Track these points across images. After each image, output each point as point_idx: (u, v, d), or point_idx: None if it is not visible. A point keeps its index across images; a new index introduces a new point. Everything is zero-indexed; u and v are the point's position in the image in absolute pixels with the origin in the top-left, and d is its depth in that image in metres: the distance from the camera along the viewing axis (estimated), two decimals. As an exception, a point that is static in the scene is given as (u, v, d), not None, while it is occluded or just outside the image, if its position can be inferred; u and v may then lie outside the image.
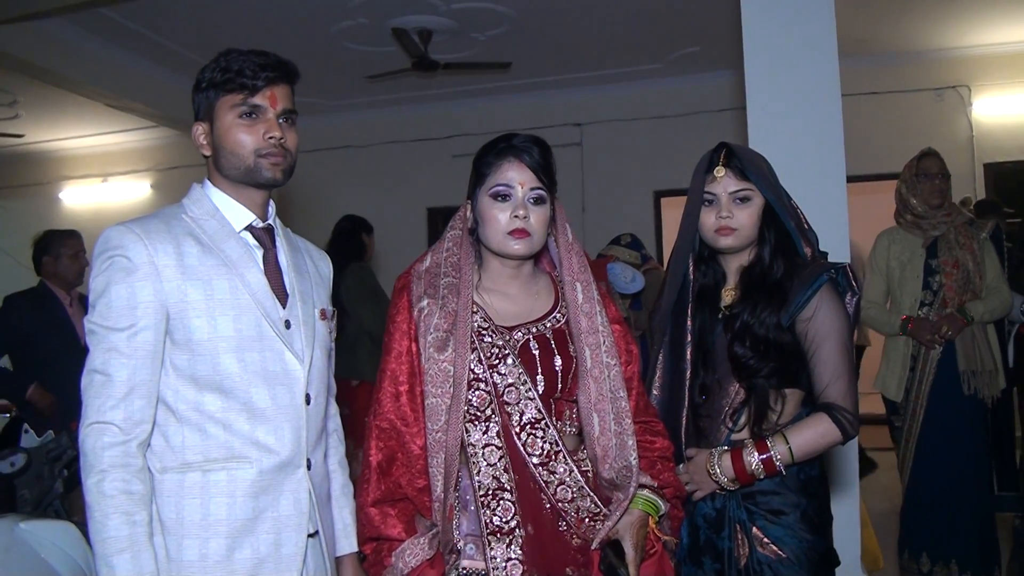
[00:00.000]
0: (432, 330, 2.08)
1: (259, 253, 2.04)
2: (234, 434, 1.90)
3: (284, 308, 2.01)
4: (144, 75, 8.23)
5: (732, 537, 2.29)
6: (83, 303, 4.95)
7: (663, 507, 2.13)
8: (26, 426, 3.37)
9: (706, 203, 2.36)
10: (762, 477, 2.24)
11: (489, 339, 2.11)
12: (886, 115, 8.33)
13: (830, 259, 2.42)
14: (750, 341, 2.28)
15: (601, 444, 2.09)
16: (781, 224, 2.36)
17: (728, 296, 2.40)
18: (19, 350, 4.80)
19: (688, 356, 2.37)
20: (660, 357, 2.48)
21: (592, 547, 2.08)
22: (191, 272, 1.91)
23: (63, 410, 4.09)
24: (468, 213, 2.20)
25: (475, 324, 2.12)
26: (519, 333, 2.15)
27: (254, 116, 1.97)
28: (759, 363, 2.28)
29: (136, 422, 1.84)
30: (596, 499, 2.08)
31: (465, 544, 2.07)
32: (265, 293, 1.97)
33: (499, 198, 2.10)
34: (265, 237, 2.06)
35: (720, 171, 2.32)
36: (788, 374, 2.30)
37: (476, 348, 2.10)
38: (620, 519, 2.07)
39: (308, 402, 2.00)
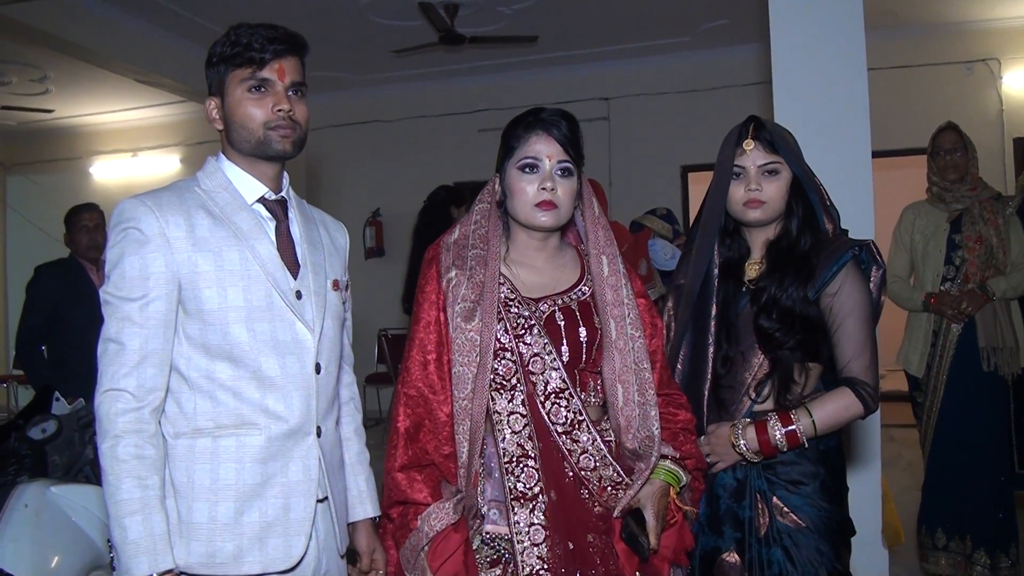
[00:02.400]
0: (460, 300, 2.13)
1: (271, 225, 2.07)
2: (244, 402, 1.94)
3: (295, 279, 2.04)
4: (173, 50, 8.27)
5: (753, 507, 2.33)
6: (111, 275, 5.06)
7: (684, 478, 2.17)
8: (57, 394, 3.43)
9: (735, 176, 2.38)
10: (785, 450, 2.28)
11: (515, 310, 2.15)
12: (916, 89, 8.29)
13: (854, 234, 2.45)
14: (777, 314, 2.31)
15: (624, 414, 2.12)
16: (807, 198, 2.39)
17: (752, 270, 2.43)
18: (49, 320, 4.89)
19: (712, 329, 2.39)
20: (683, 330, 2.49)
21: (614, 515, 2.12)
22: (202, 243, 1.94)
23: (90, 381, 4.16)
24: (496, 186, 2.23)
25: (502, 295, 2.16)
26: (545, 304, 2.18)
27: (263, 89, 1.99)
28: (785, 335, 2.30)
29: (149, 389, 1.89)
30: (618, 468, 2.12)
31: (489, 509, 2.12)
32: (275, 264, 2.00)
33: (527, 170, 2.13)
34: (278, 209, 2.09)
35: (749, 144, 2.35)
36: (811, 348, 2.33)
37: (503, 318, 2.13)
38: (642, 488, 2.11)
39: (318, 371, 2.03)
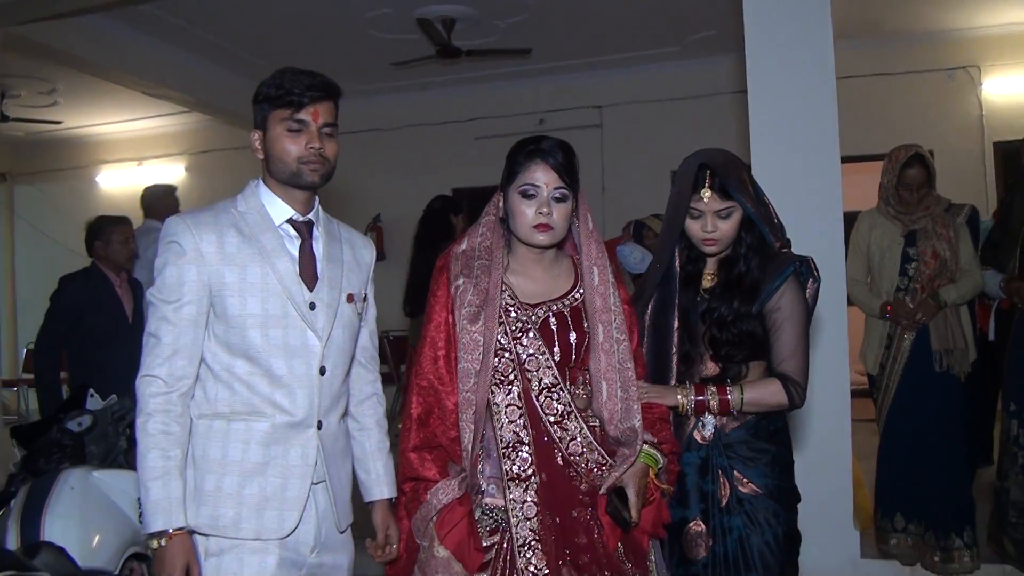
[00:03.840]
0: (466, 304, 2.41)
1: (297, 243, 2.35)
2: (256, 394, 2.24)
3: (311, 292, 2.32)
4: (179, 64, 8.49)
5: (715, 480, 2.63)
6: (131, 284, 5.25)
7: (662, 460, 2.46)
8: (91, 391, 3.66)
9: (692, 216, 2.64)
10: (716, 412, 2.61)
11: (514, 314, 2.43)
12: (899, 95, 8.48)
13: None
14: (726, 334, 2.62)
15: (608, 408, 2.40)
16: (756, 227, 2.67)
17: (707, 280, 2.73)
18: (72, 328, 5.03)
19: (675, 338, 2.69)
20: (647, 332, 2.78)
21: (600, 492, 2.40)
22: (229, 258, 2.23)
23: (111, 382, 4.33)
24: (500, 204, 2.50)
25: (503, 301, 2.43)
26: (541, 310, 2.46)
27: (299, 130, 2.27)
28: (734, 350, 2.62)
29: (178, 377, 2.20)
30: (603, 452, 2.40)
31: (488, 485, 2.40)
32: (292, 279, 2.28)
33: (526, 196, 2.39)
34: (304, 229, 2.36)
35: (707, 192, 2.58)
36: (755, 353, 2.64)
37: (503, 322, 2.42)
38: (625, 471, 2.39)
39: (323, 372, 2.31)
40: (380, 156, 10.22)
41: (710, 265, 2.74)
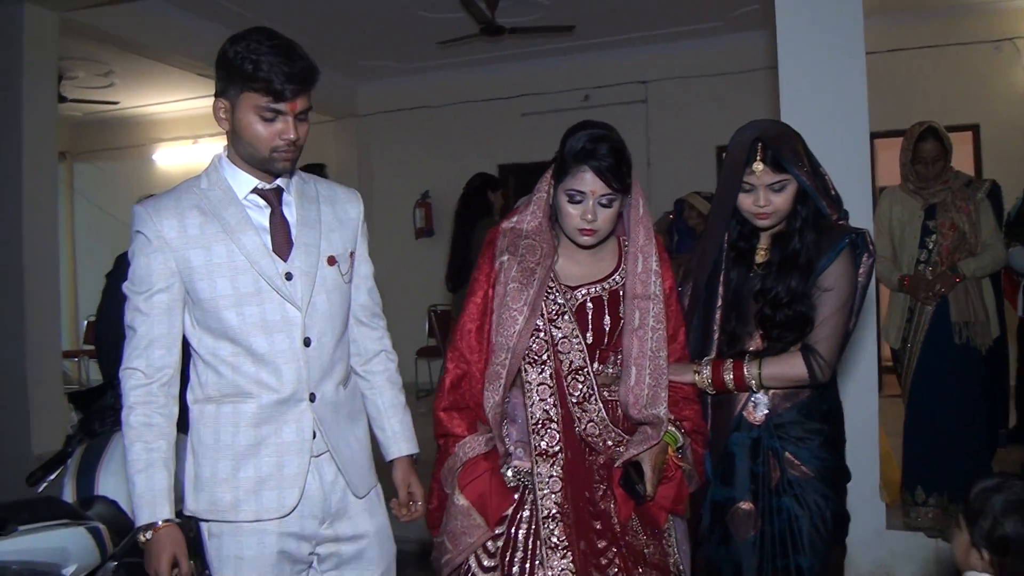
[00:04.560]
0: (509, 281, 2.46)
1: (267, 211, 2.26)
2: (241, 374, 2.20)
3: (286, 261, 2.23)
4: (231, 45, 8.64)
5: (766, 462, 2.60)
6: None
7: (681, 439, 2.50)
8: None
9: (745, 189, 2.54)
10: (733, 389, 2.57)
11: (553, 296, 2.48)
12: (945, 68, 8.42)
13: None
14: (780, 315, 2.54)
15: (634, 393, 2.45)
16: (812, 200, 2.57)
17: (760, 255, 2.66)
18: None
19: (718, 315, 2.66)
20: (695, 307, 2.73)
21: (616, 464, 2.46)
22: (193, 241, 2.16)
23: None
24: (550, 189, 2.51)
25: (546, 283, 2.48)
26: (580, 292, 2.51)
27: (274, 119, 2.14)
28: (786, 332, 2.55)
29: (157, 368, 2.18)
30: (619, 432, 2.47)
31: (516, 448, 2.50)
32: (260, 253, 2.19)
33: (573, 200, 2.40)
34: (272, 196, 2.26)
35: (759, 166, 2.48)
36: (804, 333, 2.57)
37: (543, 303, 2.48)
38: (645, 450, 2.43)
39: (308, 344, 2.25)
40: (427, 133, 10.38)
41: (763, 240, 2.67)
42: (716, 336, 2.66)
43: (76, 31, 7.36)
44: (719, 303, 2.66)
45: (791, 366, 2.54)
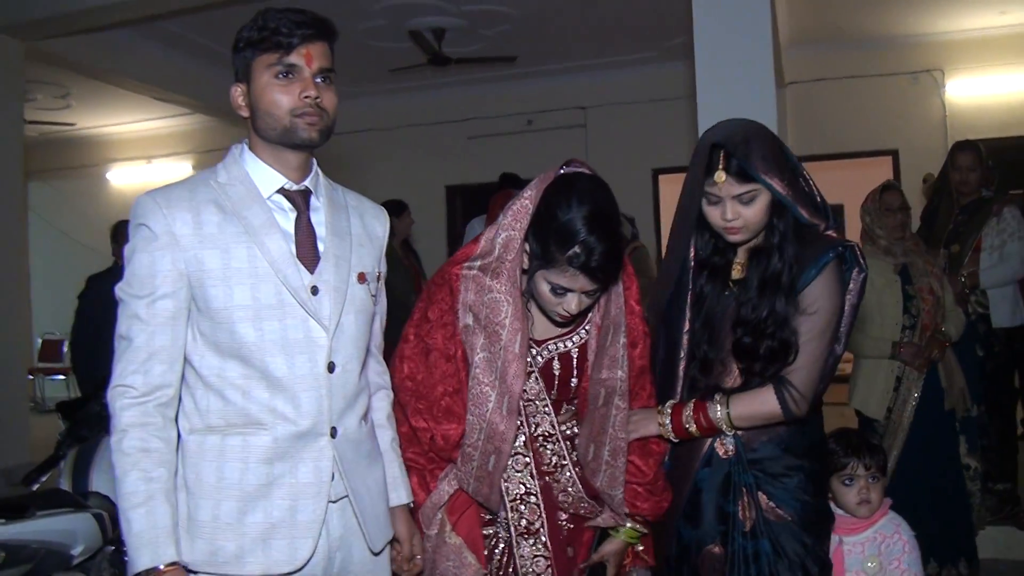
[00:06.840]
0: (478, 350, 2.16)
1: (292, 216, 1.95)
2: (252, 401, 1.85)
3: (312, 274, 1.91)
4: (185, 70, 8.91)
5: (736, 501, 2.27)
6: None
7: (643, 530, 2.34)
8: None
9: (710, 202, 2.23)
10: (696, 434, 2.25)
11: None
12: (866, 96, 8.84)
13: None
14: (764, 345, 2.21)
15: (591, 467, 2.23)
16: (790, 211, 2.22)
17: (736, 271, 2.32)
18: (101, 322, 5.39)
19: (684, 340, 2.34)
20: (657, 332, 2.43)
21: (580, 567, 2.30)
22: (209, 240, 1.83)
23: None
24: (525, 258, 2.15)
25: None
26: (547, 349, 2.24)
27: (290, 76, 1.88)
28: (768, 365, 2.21)
29: (156, 386, 1.82)
30: (591, 502, 2.27)
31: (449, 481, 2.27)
32: (287, 260, 1.87)
33: (555, 292, 2.08)
34: (299, 199, 1.96)
35: (720, 176, 2.16)
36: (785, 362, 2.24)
37: None
38: (606, 546, 2.32)
39: (331, 370, 1.91)
40: (377, 155, 10.56)
41: (740, 255, 2.32)
42: (682, 366, 2.35)
43: (38, 58, 7.56)
44: (686, 327, 2.33)
45: (761, 402, 2.20)
